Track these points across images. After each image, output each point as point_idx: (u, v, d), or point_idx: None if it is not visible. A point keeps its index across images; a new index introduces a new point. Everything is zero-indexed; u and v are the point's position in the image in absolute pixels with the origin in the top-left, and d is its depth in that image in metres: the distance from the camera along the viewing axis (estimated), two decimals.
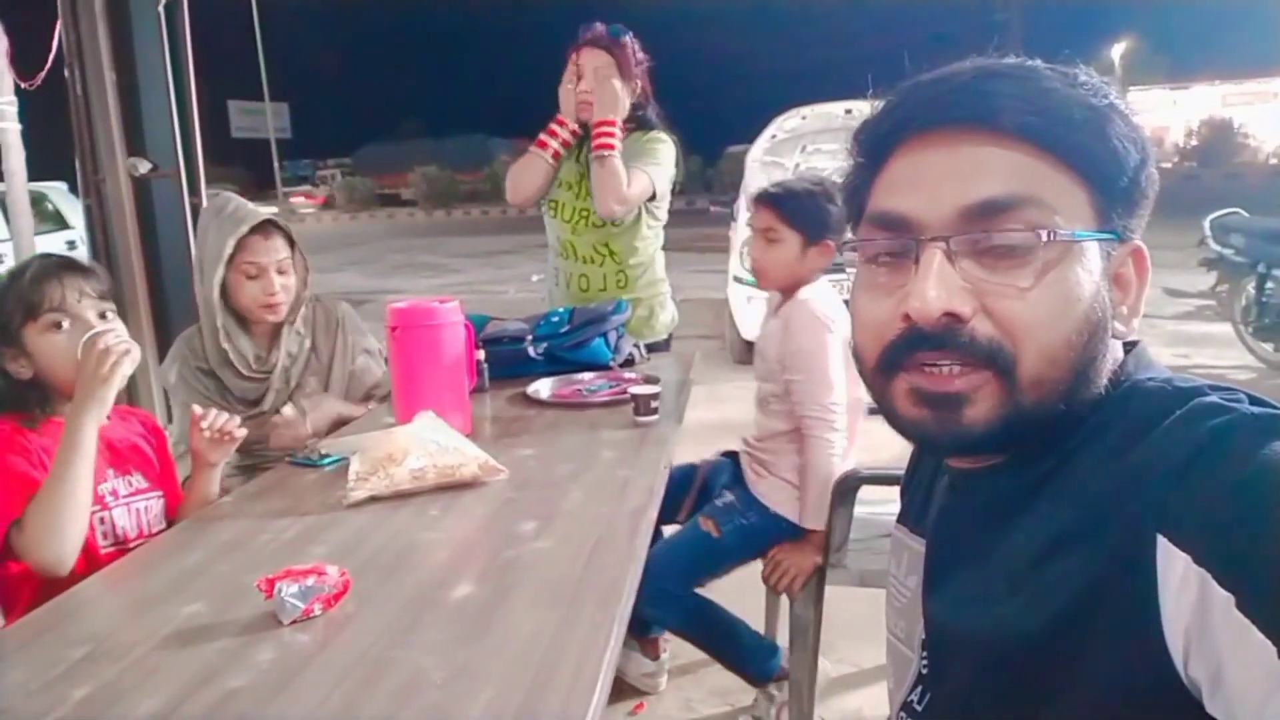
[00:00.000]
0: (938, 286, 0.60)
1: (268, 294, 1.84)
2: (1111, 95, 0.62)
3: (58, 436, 1.31)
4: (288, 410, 1.87)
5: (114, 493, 1.45)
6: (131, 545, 1.43)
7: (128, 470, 1.49)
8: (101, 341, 1.31)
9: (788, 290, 1.91)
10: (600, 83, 2.31)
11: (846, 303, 0.73)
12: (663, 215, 2.50)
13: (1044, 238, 0.59)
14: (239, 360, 1.87)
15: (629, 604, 1.02)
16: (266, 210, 1.89)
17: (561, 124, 2.39)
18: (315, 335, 1.97)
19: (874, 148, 0.67)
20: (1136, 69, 31.79)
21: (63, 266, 1.41)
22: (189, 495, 1.55)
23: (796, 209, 1.84)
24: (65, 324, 1.37)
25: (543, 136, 2.41)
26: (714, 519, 1.95)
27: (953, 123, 0.62)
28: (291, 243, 1.89)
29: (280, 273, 1.85)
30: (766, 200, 1.90)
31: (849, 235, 0.72)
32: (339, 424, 1.91)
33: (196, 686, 0.86)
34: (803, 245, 1.85)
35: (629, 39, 2.38)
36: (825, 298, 1.89)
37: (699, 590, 1.95)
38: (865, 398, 1.91)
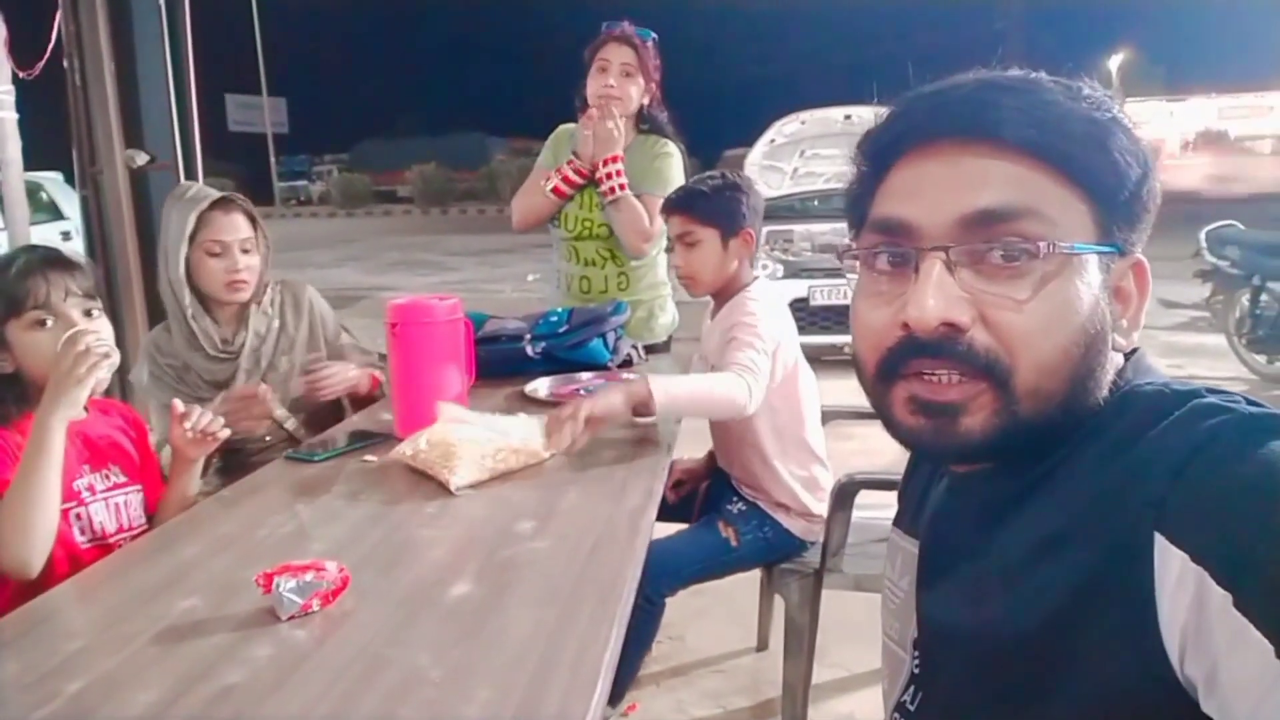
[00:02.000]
0: (936, 295, 0.60)
1: (231, 272, 1.81)
2: (1114, 109, 0.62)
3: None
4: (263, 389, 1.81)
5: (90, 488, 1.41)
6: (111, 540, 1.41)
7: (105, 465, 1.45)
8: (81, 341, 1.27)
9: (721, 293, 1.90)
10: (599, 123, 2.32)
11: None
12: None
13: (1043, 249, 0.60)
14: (205, 341, 1.85)
15: (628, 604, 1.02)
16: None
17: (578, 171, 2.38)
18: (284, 315, 1.95)
19: (877, 157, 0.68)
20: (1134, 80, 31.87)
21: (49, 262, 1.37)
22: (168, 492, 1.52)
23: (707, 207, 1.85)
24: (49, 322, 1.35)
25: (557, 182, 2.40)
26: (734, 527, 1.92)
27: (954, 134, 0.62)
28: (253, 221, 1.87)
29: (244, 251, 1.83)
30: (674, 206, 1.90)
31: (851, 242, 0.72)
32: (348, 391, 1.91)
33: (192, 681, 0.86)
34: (722, 240, 1.84)
35: (652, 43, 2.40)
36: (764, 292, 1.87)
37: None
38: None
